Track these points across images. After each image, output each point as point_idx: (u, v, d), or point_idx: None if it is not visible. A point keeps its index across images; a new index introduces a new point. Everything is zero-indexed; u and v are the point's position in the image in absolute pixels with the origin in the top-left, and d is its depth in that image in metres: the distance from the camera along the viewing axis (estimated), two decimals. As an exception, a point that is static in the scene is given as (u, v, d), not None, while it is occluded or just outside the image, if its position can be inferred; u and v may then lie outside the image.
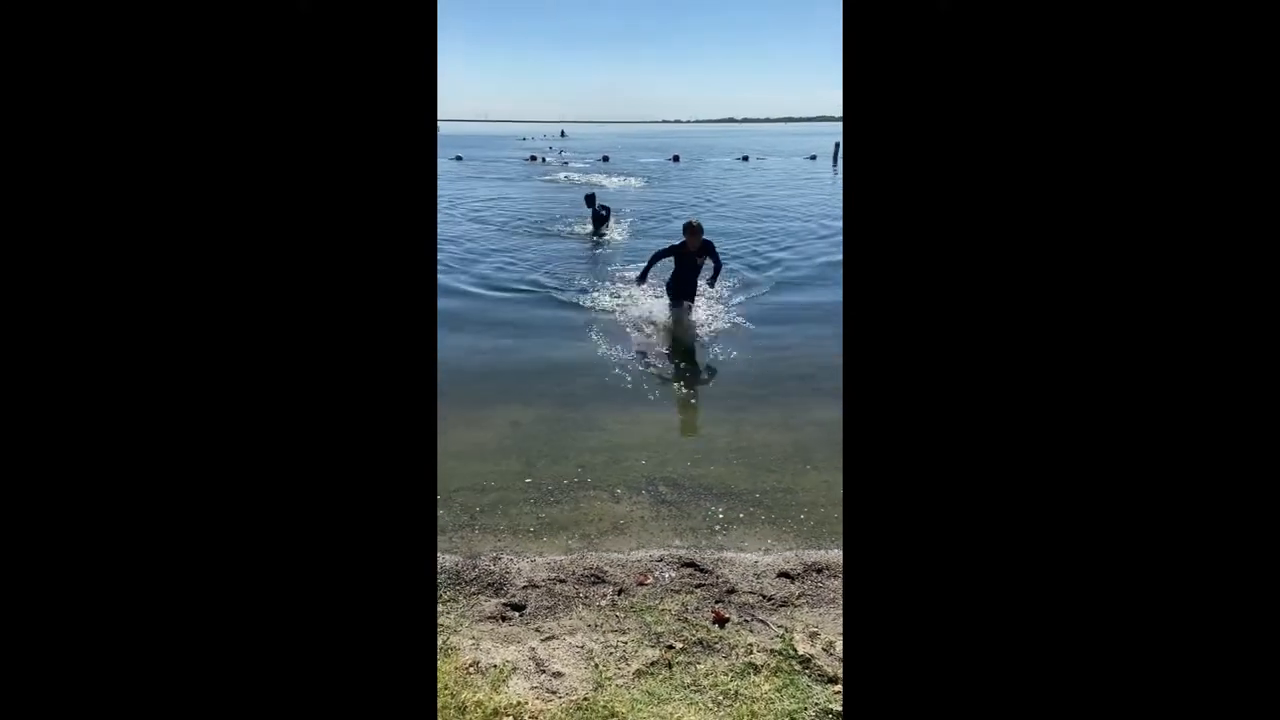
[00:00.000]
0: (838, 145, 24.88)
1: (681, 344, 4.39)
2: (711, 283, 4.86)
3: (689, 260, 4.70)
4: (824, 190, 14.48)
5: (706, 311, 4.91)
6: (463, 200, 12.05)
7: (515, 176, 17.66)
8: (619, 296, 5.41)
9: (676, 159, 24.45)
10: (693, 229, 4.63)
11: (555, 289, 5.79)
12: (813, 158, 25.39)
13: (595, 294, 5.52)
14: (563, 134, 55.79)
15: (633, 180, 15.95)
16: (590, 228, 8.36)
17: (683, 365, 3.99)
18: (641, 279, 4.89)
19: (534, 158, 24.44)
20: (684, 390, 3.65)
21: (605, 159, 23.63)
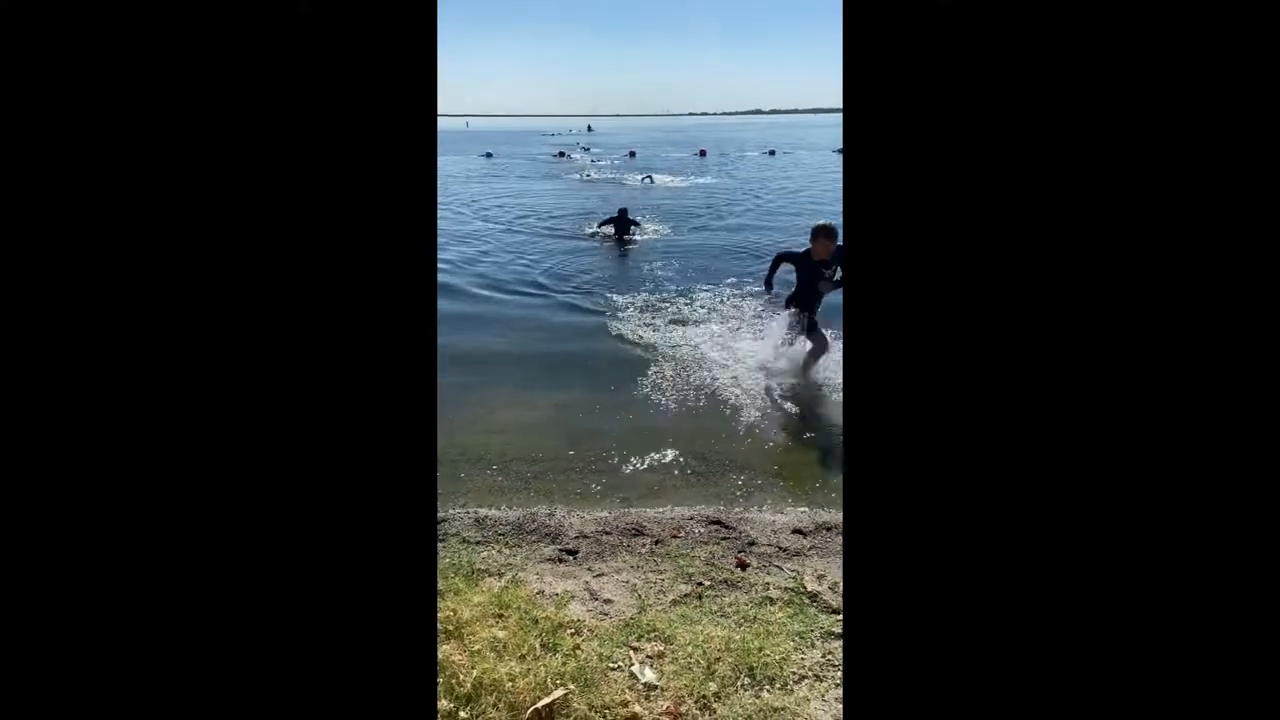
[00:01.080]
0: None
1: (794, 371, 3.91)
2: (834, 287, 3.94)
3: (813, 272, 3.85)
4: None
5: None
6: (498, 200, 12.46)
7: (545, 174, 18.06)
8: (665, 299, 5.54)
9: (703, 154, 24.63)
10: (827, 233, 3.74)
11: (592, 289, 6.14)
12: (839, 150, 25.30)
13: (629, 293, 5.84)
14: (589, 129, 56.21)
15: (667, 178, 16.19)
16: (611, 230, 8.47)
17: (713, 356, 4.30)
18: (768, 285, 4.23)
19: (562, 154, 24.86)
20: (713, 378, 3.96)
21: (632, 154, 23.92)
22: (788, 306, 4.04)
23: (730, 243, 8.17)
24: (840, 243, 3.77)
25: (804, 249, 3.90)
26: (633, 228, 8.54)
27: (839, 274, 3.83)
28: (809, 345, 3.93)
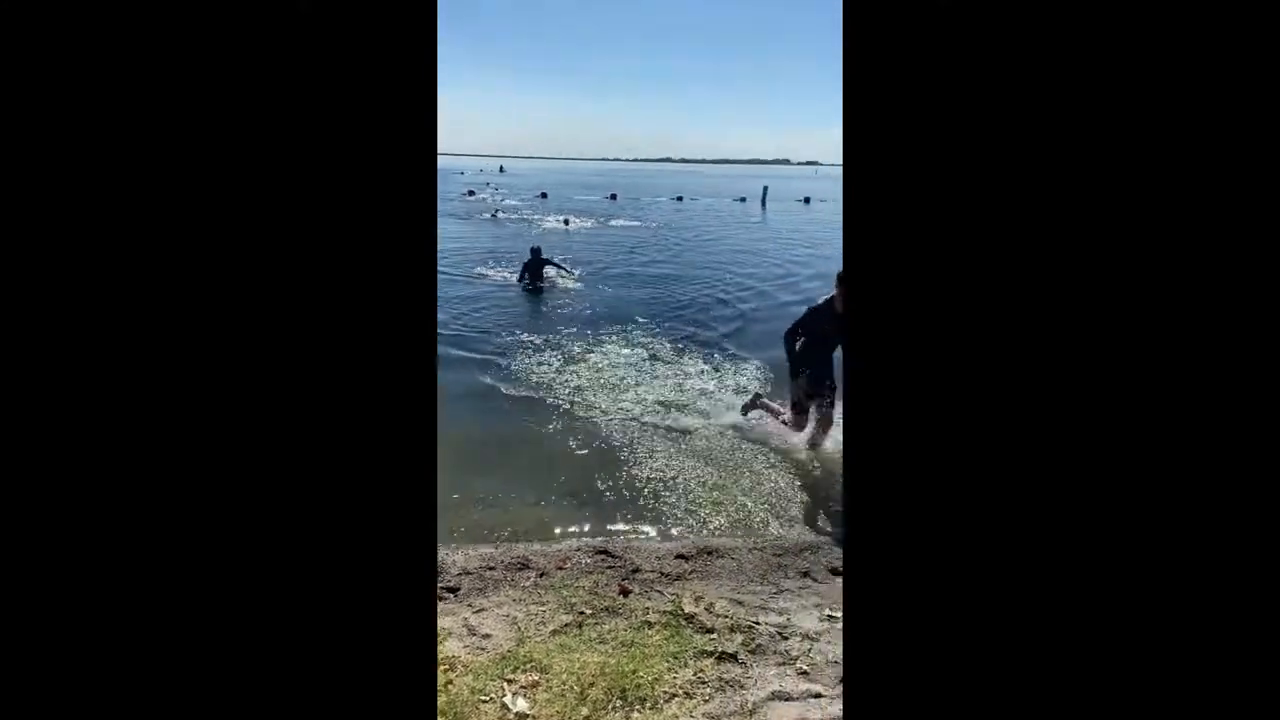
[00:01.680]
0: (765, 189, 26.52)
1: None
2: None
3: (833, 328, 3.10)
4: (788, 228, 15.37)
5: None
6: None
7: (456, 213, 17.86)
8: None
9: (614, 197, 25.31)
10: None
11: (489, 330, 6.14)
12: (742, 199, 26.82)
13: (526, 334, 5.88)
14: (501, 170, 56.34)
15: (574, 219, 16.42)
16: (522, 276, 7.98)
17: (610, 395, 4.38)
18: (794, 373, 3.37)
19: (472, 193, 24.79)
20: (608, 417, 4.03)
21: (544, 195, 24.22)
22: (799, 379, 3.35)
23: (645, 290, 8.20)
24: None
25: (824, 299, 3.18)
26: (547, 268, 8.06)
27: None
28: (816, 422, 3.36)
